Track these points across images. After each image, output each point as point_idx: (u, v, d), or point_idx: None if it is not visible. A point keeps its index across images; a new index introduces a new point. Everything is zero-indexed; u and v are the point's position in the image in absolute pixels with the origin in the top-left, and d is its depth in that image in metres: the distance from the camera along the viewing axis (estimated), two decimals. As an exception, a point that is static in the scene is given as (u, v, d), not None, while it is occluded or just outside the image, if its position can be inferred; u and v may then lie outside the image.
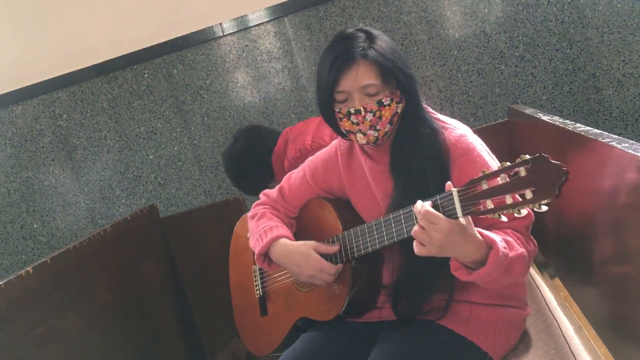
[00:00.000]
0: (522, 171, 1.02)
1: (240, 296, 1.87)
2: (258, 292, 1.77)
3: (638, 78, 2.50)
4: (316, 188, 1.60)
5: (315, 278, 1.46)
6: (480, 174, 1.08)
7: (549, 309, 1.60)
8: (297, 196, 1.64)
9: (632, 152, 1.06)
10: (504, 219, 1.06)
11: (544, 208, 1.01)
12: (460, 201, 1.11)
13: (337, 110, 1.37)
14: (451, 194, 1.12)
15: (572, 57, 2.54)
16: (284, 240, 1.53)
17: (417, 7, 2.58)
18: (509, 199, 1.04)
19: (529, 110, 2.00)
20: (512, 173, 1.04)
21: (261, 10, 2.66)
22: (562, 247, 1.75)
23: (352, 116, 1.34)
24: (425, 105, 1.42)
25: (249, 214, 1.70)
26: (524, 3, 2.53)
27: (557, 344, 1.42)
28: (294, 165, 1.98)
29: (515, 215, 1.04)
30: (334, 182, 1.57)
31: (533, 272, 1.89)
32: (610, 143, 1.16)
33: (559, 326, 1.50)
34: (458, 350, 1.35)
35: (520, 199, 1.03)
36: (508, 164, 1.06)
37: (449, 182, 1.15)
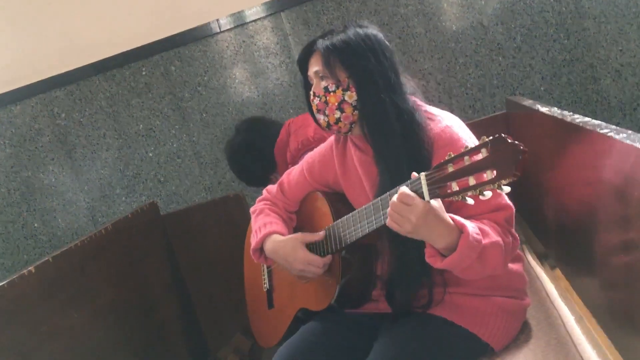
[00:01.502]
0: (484, 152, 1.03)
1: (251, 290, 1.91)
2: (265, 285, 1.80)
3: (635, 67, 2.50)
4: (313, 183, 1.65)
5: (305, 271, 1.52)
6: (446, 157, 1.11)
7: (550, 300, 1.61)
8: (295, 191, 1.69)
9: (630, 143, 1.06)
10: (470, 201, 1.08)
11: (506, 189, 1.02)
12: (428, 184, 1.15)
13: None
14: (419, 179, 1.16)
15: (569, 48, 2.54)
16: (275, 236, 1.60)
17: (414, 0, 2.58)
18: (472, 181, 1.06)
19: (527, 102, 2.00)
20: (476, 155, 1.05)
21: (258, 6, 2.66)
22: (562, 238, 1.76)
23: (310, 99, 1.48)
24: (413, 98, 1.45)
25: (251, 209, 1.73)
26: (520, -6, 2.53)
27: (558, 334, 1.43)
28: (297, 157, 2.00)
29: (480, 197, 1.06)
30: (330, 176, 1.61)
31: (533, 262, 1.89)
32: (609, 134, 1.16)
33: (560, 317, 1.51)
34: (459, 341, 1.36)
35: (483, 180, 1.04)
36: (473, 146, 1.07)
37: (414, 173, 1.18)
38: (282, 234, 1.60)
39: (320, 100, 1.43)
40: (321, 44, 1.42)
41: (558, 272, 1.81)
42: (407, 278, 1.38)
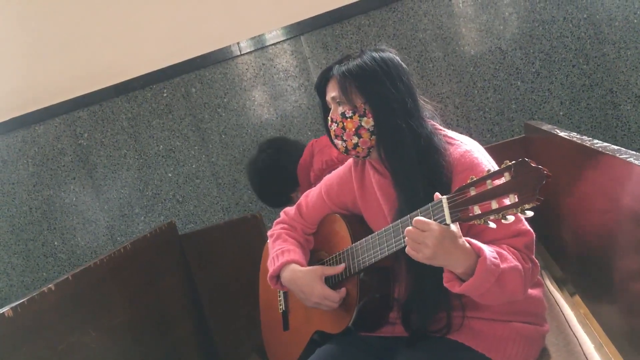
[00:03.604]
0: (507, 176, 1.03)
1: (266, 312, 1.91)
2: (281, 307, 1.80)
3: (656, 93, 2.49)
4: (331, 205, 1.65)
5: (320, 305, 1.51)
6: (468, 181, 1.10)
7: (569, 326, 1.59)
8: (313, 213, 1.69)
9: (650, 168, 1.06)
10: (492, 225, 1.08)
11: (529, 214, 1.02)
12: (450, 208, 1.14)
13: None
14: (441, 202, 1.16)
15: (588, 73, 2.53)
16: (294, 265, 1.59)
17: (433, 24, 2.60)
18: (494, 204, 1.06)
19: (545, 126, 2.00)
20: (499, 178, 1.05)
21: (278, 30, 2.69)
22: (581, 264, 1.74)
23: (328, 125, 1.49)
24: (432, 122, 1.45)
25: (269, 232, 1.74)
26: (539, 19, 2.53)
27: (577, 361, 1.41)
28: (320, 177, 2.01)
29: (502, 221, 1.05)
30: (348, 199, 1.61)
31: (552, 288, 1.87)
32: (628, 159, 1.16)
33: (579, 343, 1.49)
34: (476, 366, 1.35)
35: (505, 204, 1.04)
36: (494, 169, 1.07)
37: (437, 193, 1.18)
38: (301, 264, 1.59)
39: (337, 126, 1.44)
40: (337, 70, 1.44)
41: (577, 298, 1.79)
42: (424, 301, 1.37)
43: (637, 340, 1.31)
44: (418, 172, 1.35)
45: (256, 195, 2.39)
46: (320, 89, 1.52)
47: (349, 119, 1.42)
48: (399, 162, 1.38)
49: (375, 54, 1.43)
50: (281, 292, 1.82)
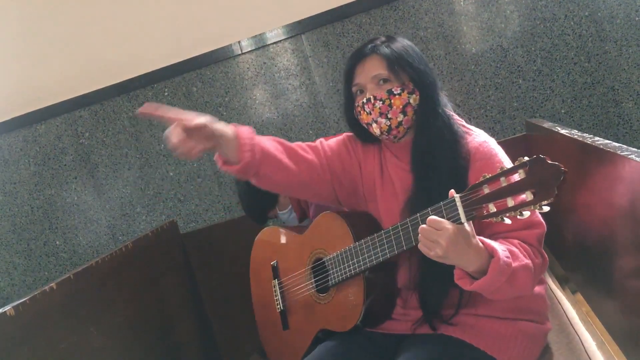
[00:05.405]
0: (522, 173, 1.03)
1: (262, 311, 1.89)
2: (279, 306, 1.78)
3: (658, 91, 2.48)
4: (346, 161, 1.60)
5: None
6: (481, 179, 1.10)
7: (571, 324, 1.59)
8: (327, 148, 1.62)
9: (652, 165, 1.05)
10: (508, 221, 1.08)
11: (546, 209, 1.02)
12: (464, 206, 1.14)
13: (357, 105, 1.47)
14: (454, 201, 1.15)
15: (590, 71, 2.53)
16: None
17: (434, 22, 2.59)
18: (510, 202, 1.06)
19: (547, 124, 2.00)
20: (512, 176, 1.05)
21: (279, 28, 2.69)
22: (583, 262, 1.74)
23: (365, 106, 1.44)
24: (450, 112, 1.48)
25: None
26: (541, 17, 2.53)
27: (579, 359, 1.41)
28: None
29: (518, 217, 1.06)
30: (354, 171, 1.59)
31: (554, 286, 1.87)
32: (630, 156, 1.16)
33: (582, 342, 1.49)
34: (478, 364, 1.35)
35: (522, 201, 1.04)
36: (508, 167, 1.07)
37: (452, 190, 1.18)
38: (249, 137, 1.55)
39: (383, 104, 1.42)
40: (382, 49, 1.43)
41: (579, 296, 1.79)
42: (437, 281, 1.37)
43: (638, 338, 1.31)
44: (445, 152, 1.37)
45: (241, 202, 2.31)
46: (350, 73, 1.49)
47: (397, 96, 1.42)
48: (432, 140, 1.40)
49: (403, 40, 1.48)
50: (277, 291, 1.80)
